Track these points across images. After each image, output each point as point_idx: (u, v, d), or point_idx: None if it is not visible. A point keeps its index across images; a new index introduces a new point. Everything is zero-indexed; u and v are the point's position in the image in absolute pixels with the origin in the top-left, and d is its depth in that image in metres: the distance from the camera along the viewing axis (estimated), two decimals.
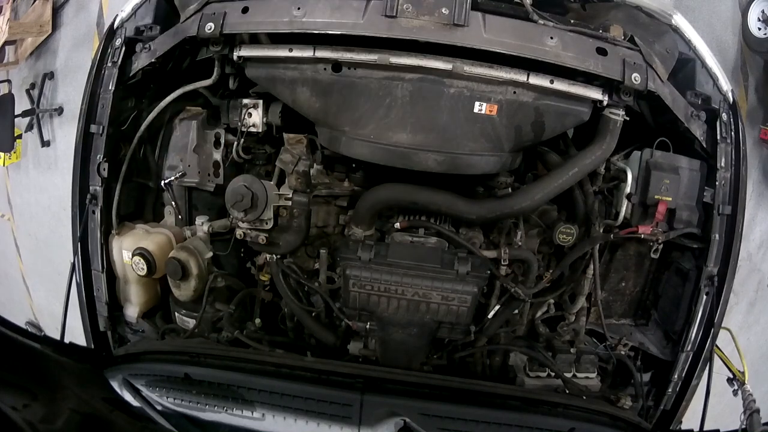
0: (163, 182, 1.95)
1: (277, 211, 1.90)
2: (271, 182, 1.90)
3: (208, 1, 1.65)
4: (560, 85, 1.56)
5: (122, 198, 1.90)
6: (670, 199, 1.79)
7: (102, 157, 1.81)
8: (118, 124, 1.85)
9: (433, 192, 1.68)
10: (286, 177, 1.89)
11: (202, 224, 1.91)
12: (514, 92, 1.58)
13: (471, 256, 1.70)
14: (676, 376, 1.85)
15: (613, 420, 1.57)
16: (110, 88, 1.79)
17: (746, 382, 1.72)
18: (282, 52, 1.59)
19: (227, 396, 1.45)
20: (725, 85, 1.79)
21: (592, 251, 1.84)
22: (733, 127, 1.76)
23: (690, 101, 1.74)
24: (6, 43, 4.89)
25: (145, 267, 1.81)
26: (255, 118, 1.87)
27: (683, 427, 1.88)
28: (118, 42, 1.82)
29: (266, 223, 1.87)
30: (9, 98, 4.22)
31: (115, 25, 1.87)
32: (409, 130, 1.58)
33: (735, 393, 1.73)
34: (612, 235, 1.82)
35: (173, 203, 1.99)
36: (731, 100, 1.78)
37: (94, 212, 1.84)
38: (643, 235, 1.80)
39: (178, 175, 1.92)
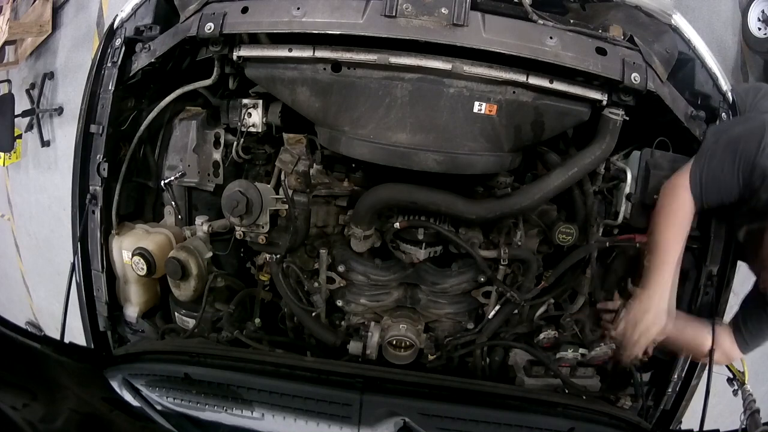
0: (163, 182, 1.95)
1: (276, 213, 1.91)
2: (269, 185, 1.90)
3: (208, 1, 1.65)
4: (560, 85, 1.56)
5: (122, 198, 1.90)
6: None
7: (102, 157, 1.81)
8: (118, 124, 1.85)
9: (432, 192, 1.68)
10: (283, 180, 1.89)
11: (202, 224, 1.91)
12: (514, 92, 1.57)
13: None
14: (676, 376, 1.85)
15: (613, 420, 1.57)
16: (110, 88, 1.79)
17: (746, 382, 1.72)
18: (281, 52, 1.59)
19: (227, 396, 1.45)
20: (725, 84, 1.78)
21: (589, 256, 1.84)
22: None
23: (689, 101, 1.74)
24: (6, 43, 4.91)
25: (145, 267, 1.81)
26: (255, 118, 1.87)
27: (683, 427, 1.88)
28: (118, 42, 1.82)
29: (262, 227, 1.87)
30: (9, 98, 4.22)
31: (115, 25, 1.87)
32: (409, 130, 1.58)
33: (735, 393, 1.73)
34: (608, 243, 1.82)
35: (173, 203, 1.99)
36: (731, 99, 1.78)
37: (94, 212, 1.84)
38: (638, 245, 1.79)
39: (177, 175, 1.93)
